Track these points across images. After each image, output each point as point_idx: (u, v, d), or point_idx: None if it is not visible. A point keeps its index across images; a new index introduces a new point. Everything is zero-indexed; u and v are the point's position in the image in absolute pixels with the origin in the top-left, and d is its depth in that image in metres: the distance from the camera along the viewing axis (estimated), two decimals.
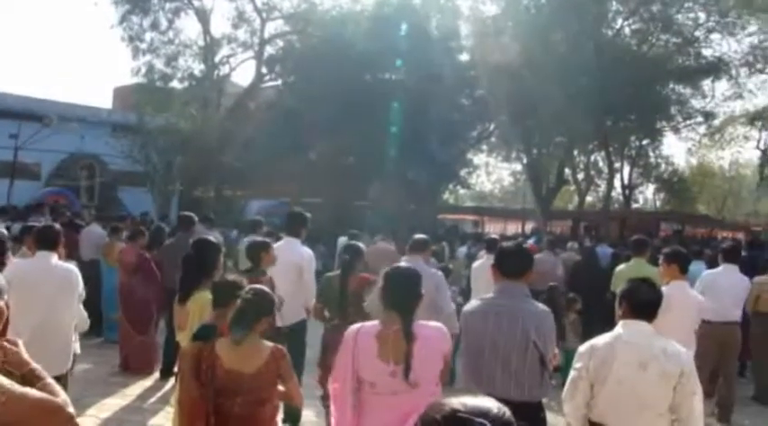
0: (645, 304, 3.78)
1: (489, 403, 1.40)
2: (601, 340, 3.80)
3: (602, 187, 33.46)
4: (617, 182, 34.84)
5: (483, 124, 30.01)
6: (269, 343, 3.90)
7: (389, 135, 23.00)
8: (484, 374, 3.99)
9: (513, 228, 32.56)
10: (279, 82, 28.70)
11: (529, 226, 29.00)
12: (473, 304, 4.22)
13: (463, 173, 31.42)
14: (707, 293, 7.19)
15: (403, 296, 3.59)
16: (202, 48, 28.23)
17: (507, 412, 1.40)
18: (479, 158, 34.09)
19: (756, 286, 8.54)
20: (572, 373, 3.80)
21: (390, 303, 3.58)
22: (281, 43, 28.53)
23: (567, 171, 31.80)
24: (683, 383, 3.53)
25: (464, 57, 28.28)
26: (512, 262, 4.14)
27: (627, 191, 35.51)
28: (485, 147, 32.86)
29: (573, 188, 35.38)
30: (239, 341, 3.74)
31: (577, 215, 31.72)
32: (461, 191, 36.31)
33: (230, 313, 3.87)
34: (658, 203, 43.23)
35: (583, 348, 3.84)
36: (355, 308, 5.36)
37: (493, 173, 39.44)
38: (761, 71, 30.19)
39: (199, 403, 3.72)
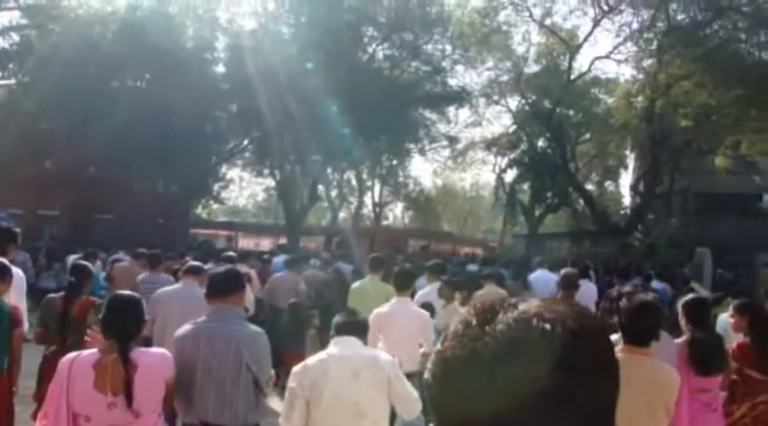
0: (346, 324, 3.95)
1: None
2: (314, 358, 3.83)
3: (355, 204, 34.48)
4: (368, 200, 36.19)
5: (237, 138, 29.59)
6: None
7: (136, 145, 21.75)
8: (196, 399, 3.81)
9: (266, 244, 32.39)
10: (12, 80, 26.10)
11: (283, 242, 29.02)
12: (185, 327, 4.01)
13: (216, 187, 30.78)
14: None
15: (121, 322, 3.39)
16: None
17: None
18: (233, 172, 33.57)
19: (475, 299, 9.10)
20: (287, 393, 3.73)
21: (109, 330, 3.36)
22: (16, 37, 25.92)
23: (320, 188, 32.41)
24: (393, 388, 3.68)
25: (220, 69, 27.75)
26: (220, 285, 4.03)
27: (377, 209, 36.95)
28: (239, 162, 32.43)
29: (326, 204, 36.08)
30: None
31: (330, 231, 32.32)
32: (215, 206, 35.44)
33: None
34: (407, 220, 45.46)
35: (296, 368, 3.82)
36: (77, 334, 4.85)
37: (247, 187, 39.03)
38: (497, 102, 33.10)
39: None
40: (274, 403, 6.92)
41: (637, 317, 3.47)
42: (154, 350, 3.52)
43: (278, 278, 10.27)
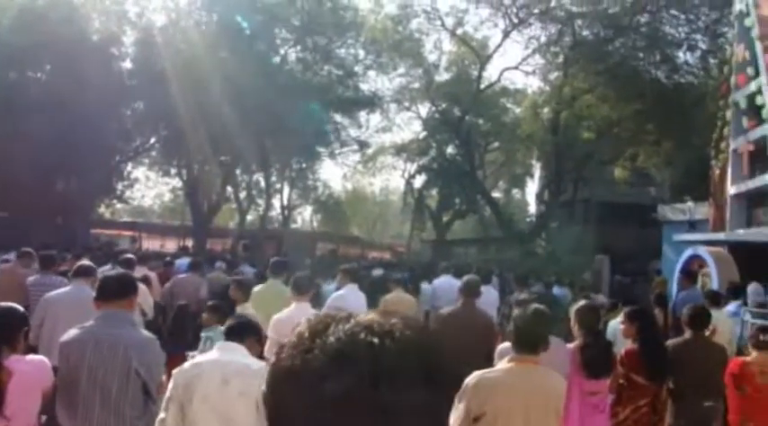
0: (230, 329, 3.97)
1: None
2: (193, 361, 3.83)
3: (263, 206, 34.12)
4: (277, 203, 35.86)
5: (144, 136, 28.77)
6: None
7: (34, 140, 20.80)
8: (80, 406, 3.66)
9: (172, 245, 31.63)
10: None
11: (189, 243, 28.42)
12: (71, 332, 3.84)
13: (120, 186, 29.84)
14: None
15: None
16: None
17: None
18: (139, 172, 32.60)
19: (383, 303, 9.06)
20: (165, 395, 3.63)
21: None
22: None
23: (228, 189, 31.90)
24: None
25: (127, 65, 26.93)
26: (111, 288, 3.89)
27: (286, 212, 36.66)
28: (146, 161, 31.53)
29: (234, 206, 35.56)
30: None
31: (237, 233, 31.87)
32: (118, 206, 34.34)
33: None
34: (315, 224, 45.27)
35: (176, 370, 3.73)
36: None
37: (153, 187, 37.97)
38: (407, 109, 33.43)
39: None
40: None
41: (527, 327, 3.54)
42: (31, 357, 3.37)
43: (180, 280, 9.93)
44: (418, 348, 0.85)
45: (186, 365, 3.74)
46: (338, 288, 8.27)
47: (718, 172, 20.01)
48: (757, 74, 17.37)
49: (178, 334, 8.31)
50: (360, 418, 0.79)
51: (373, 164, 37.64)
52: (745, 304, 13.33)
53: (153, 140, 28.97)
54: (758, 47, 17.24)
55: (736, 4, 19.32)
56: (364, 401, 0.79)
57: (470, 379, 3.44)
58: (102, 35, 25.36)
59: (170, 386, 3.64)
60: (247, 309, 6.76)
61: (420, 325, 0.92)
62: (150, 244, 31.74)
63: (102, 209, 32.68)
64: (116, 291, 3.86)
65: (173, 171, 30.70)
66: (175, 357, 8.02)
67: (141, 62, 25.45)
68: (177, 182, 32.02)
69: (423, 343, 0.87)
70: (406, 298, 8.96)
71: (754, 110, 17.59)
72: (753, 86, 17.59)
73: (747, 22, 17.88)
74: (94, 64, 22.73)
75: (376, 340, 0.83)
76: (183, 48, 24.21)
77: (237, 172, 31.11)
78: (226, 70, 22.95)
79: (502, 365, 3.63)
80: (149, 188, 37.79)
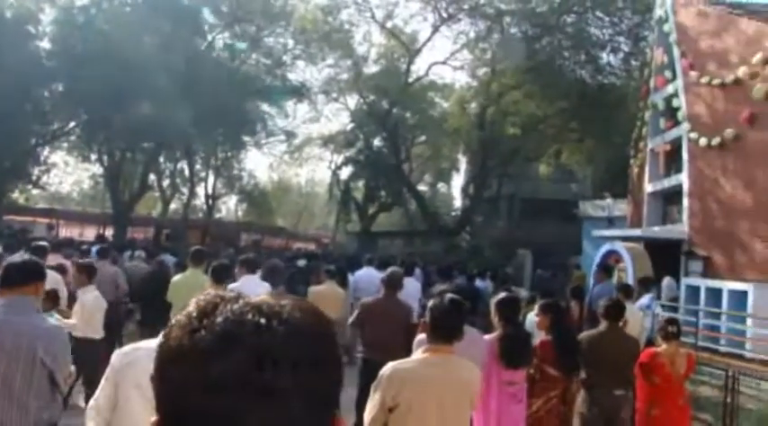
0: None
1: None
2: (133, 345, 3.62)
3: (187, 195, 33.50)
4: (201, 192, 35.26)
5: (62, 120, 27.75)
6: None
7: None
8: None
9: (91, 233, 30.73)
10: None
11: (109, 232, 27.65)
12: None
13: (36, 171, 28.76)
14: None
15: None
16: None
17: None
18: (57, 156, 31.47)
19: (313, 293, 9.02)
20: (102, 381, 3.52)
21: None
22: None
23: (152, 177, 31.17)
24: None
25: (45, 44, 25.87)
26: (15, 275, 3.70)
27: (210, 201, 36.09)
28: (64, 145, 30.45)
29: (157, 194, 34.79)
30: None
31: (160, 222, 31.21)
32: (34, 191, 33.10)
33: None
34: (240, 214, 44.73)
35: (116, 352, 3.59)
36: None
37: (72, 173, 36.71)
38: (335, 100, 33.33)
39: None
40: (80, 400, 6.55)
41: (442, 316, 3.55)
42: None
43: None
44: (306, 330, 0.84)
45: (126, 348, 3.58)
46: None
47: (636, 170, 20.69)
48: (674, 77, 17.99)
49: None
50: (245, 399, 0.78)
51: (300, 154, 37.54)
52: (659, 297, 13.83)
53: (72, 124, 27.93)
54: (675, 51, 17.86)
55: (657, 9, 19.97)
56: (250, 382, 0.78)
57: (385, 370, 3.44)
58: (17, 12, 24.29)
59: (108, 371, 3.51)
60: (89, 292, 6.65)
61: (311, 308, 0.90)
62: (69, 231, 30.76)
63: (16, 195, 31.42)
64: (19, 277, 3.68)
65: (93, 156, 29.69)
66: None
67: (60, 42, 24.52)
68: (98, 169, 31.03)
69: (311, 326, 0.86)
70: (337, 290, 8.99)
71: (670, 112, 18.24)
72: (670, 89, 18.23)
73: (666, 27, 18.50)
74: (8, 42, 21.80)
75: (263, 320, 0.82)
76: (105, 28, 23.45)
77: (161, 159, 30.41)
78: (150, 54, 22.36)
79: (417, 355, 3.64)
80: (68, 174, 36.51)
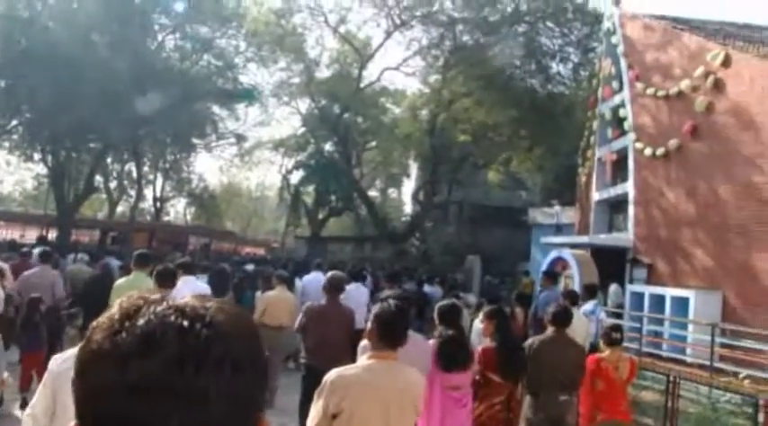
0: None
1: None
2: (67, 352, 3.53)
3: (135, 197, 32.95)
4: (149, 194, 34.72)
5: (4, 118, 26.98)
6: None
7: None
8: None
9: (33, 235, 29.98)
10: None
11: (52, 235, 27.00)
12: None
13: None
14: None
15: None
16: None
17: None
18: None
19: (264, 299, 8.93)
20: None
21: None
22: None
23: (98, 178, 30.58)
24: None
25: None
26: None
27: (158, 204, 35.57)
28: (6, 144, 29.63)
29: (104, 196, 34.15)
30: None
31: (106, 225, 30.63)
32: None
33: None
34: (189, 217, 44.19)
35: (54, 356, 3.50)
36: None
37: (14, 173, 35.76)
38: (287, 103, 33.20)
39: None
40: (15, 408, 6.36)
41: (386, 323, 3.53)
42: None
43: (31, 274, 9.05)
44: (229, 333, 0.83)
45: (65, 353, 3.48)
46: None
47: (584, 178, 21.04)
48: (621, 88, 18.38)
49: (31, 330, 7.87)
50: (166, 402, 0.76)
51: (250, 158, 37.26)
52: (606, 303, 14.08)
53: (15, 122, 27.20)
54: (623, 63, 18.25)
55: (605, 21, 20.39)
56: (171, 384, 0.76)
57: (329, 376, 3.40)
58: None
59: (45, 377, 3.41)
60: None
61: (235, 310, 0.88)
62: (10, 233, 29.97)
63: None
64: None
65: (36, 156, 28.98)
66: (30, 354, 7.58)
67: (3, 38, 23.86)
68: (41, 169, 30.32)
69: (234, 328, 0.84)
70: (288, 295, 8.97)
71: (617, 122, 18.62)
72: (617, 99, 18.62)
73: (614, 39, 18.91)
74: None
75: (186, 323, 0.80)
76: (50, 25, 22.92)
77: (108, 160, 29.85)
78: (98, 52, 21.94)
79: (361, 361, 3.61)
80: (10, 173, 35.58)
